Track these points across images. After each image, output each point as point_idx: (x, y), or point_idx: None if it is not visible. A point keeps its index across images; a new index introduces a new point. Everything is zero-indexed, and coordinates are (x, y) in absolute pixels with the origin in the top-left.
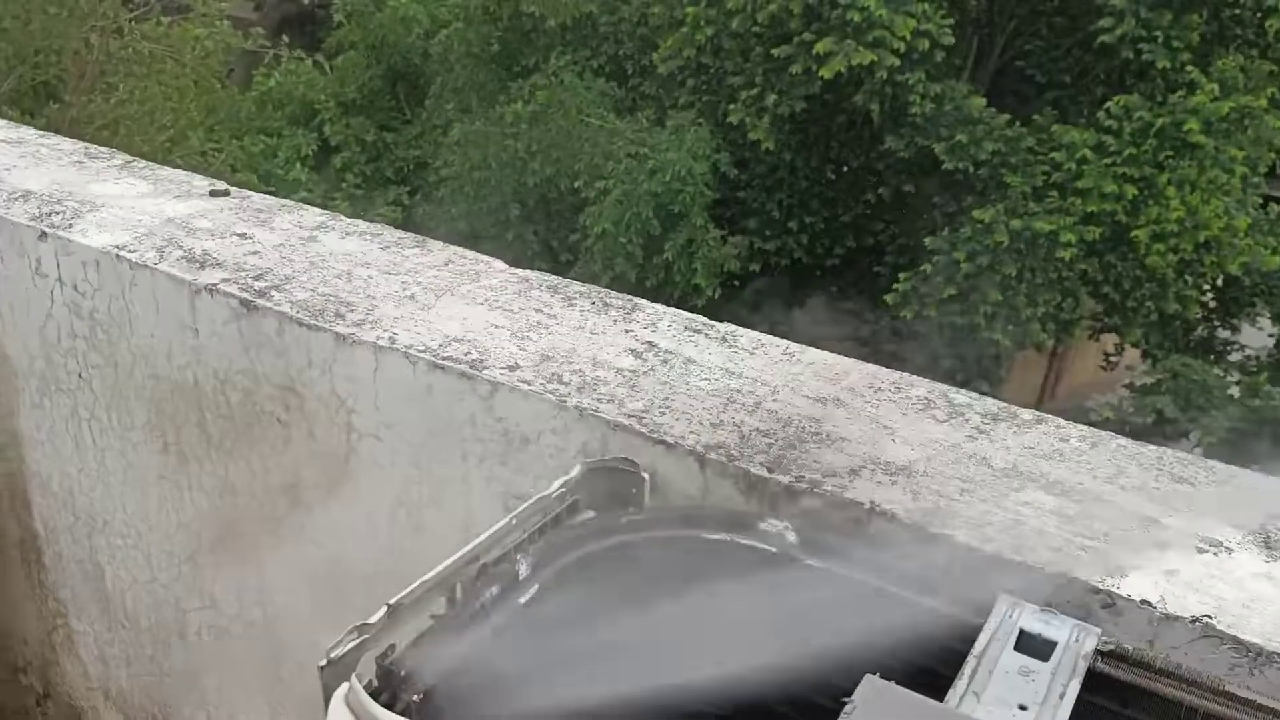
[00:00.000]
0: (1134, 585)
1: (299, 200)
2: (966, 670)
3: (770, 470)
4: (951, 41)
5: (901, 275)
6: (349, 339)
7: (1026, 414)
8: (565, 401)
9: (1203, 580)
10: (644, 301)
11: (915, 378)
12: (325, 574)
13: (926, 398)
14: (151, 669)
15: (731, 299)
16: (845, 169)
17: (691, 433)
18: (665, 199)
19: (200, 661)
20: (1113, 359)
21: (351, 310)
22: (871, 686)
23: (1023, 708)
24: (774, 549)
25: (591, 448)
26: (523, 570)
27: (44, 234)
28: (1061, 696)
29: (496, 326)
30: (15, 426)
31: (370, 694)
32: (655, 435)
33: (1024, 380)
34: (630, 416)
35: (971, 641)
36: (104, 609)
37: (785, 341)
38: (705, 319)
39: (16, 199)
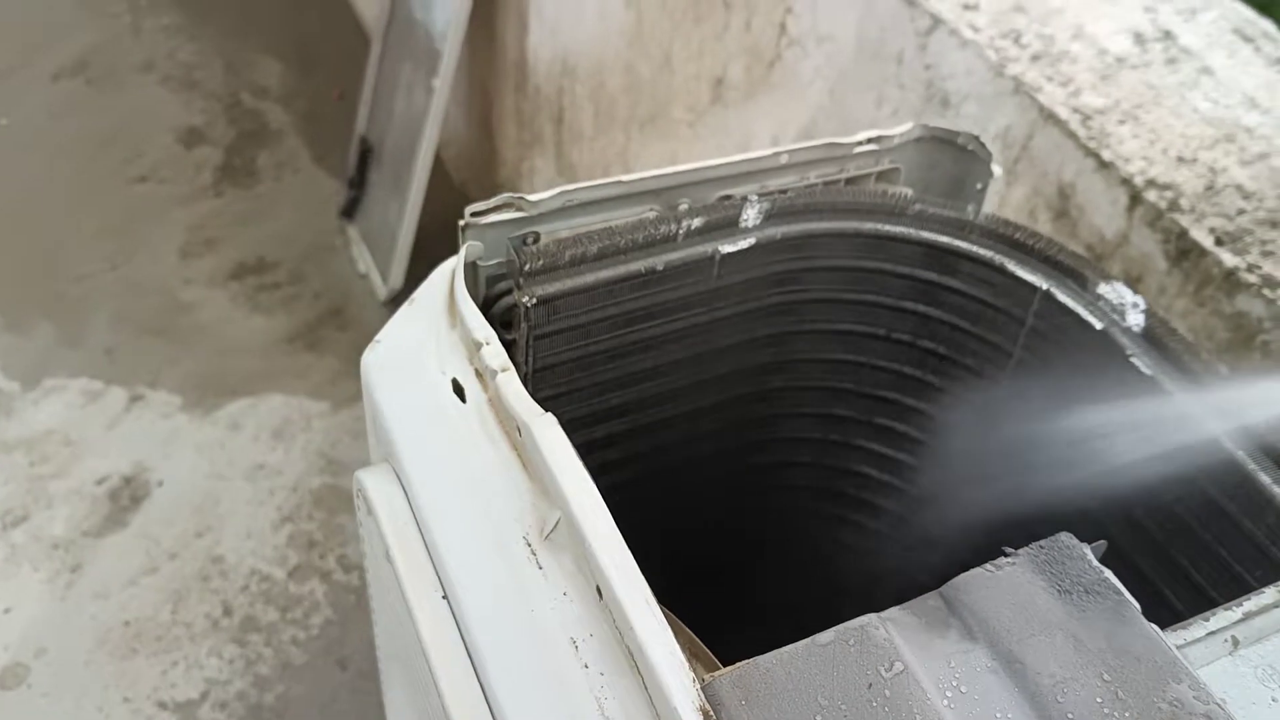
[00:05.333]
0: None
1: None
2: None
3: (1220, 243)
4: None
5: None
6: None
7: None
8: (1005, 68)
9: None
10: None
11: None
12: None
13: None
14: None
15: None
16: None
17: (1144, 158)
18: None
19: None
20: None
21: None
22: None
23: None
24: (1100, 325)
25: (1014, 134)
26: (747, 216)
27: None
28: None
29: None
30: None
31: (488, 275)
32: (1092, 144)
33: None
34: (1075, 111)
35: None
36: (557, 155)
37: None
38: (1275, 26)
39: None
